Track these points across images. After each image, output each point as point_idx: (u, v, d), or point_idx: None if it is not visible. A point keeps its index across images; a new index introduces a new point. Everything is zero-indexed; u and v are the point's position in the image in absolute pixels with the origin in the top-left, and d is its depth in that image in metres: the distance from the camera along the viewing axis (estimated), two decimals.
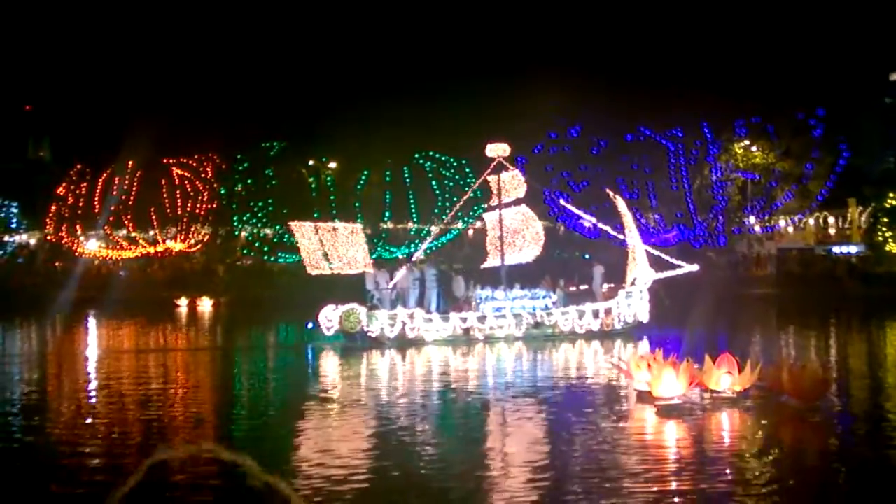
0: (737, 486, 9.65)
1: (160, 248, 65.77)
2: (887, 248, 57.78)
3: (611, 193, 31.30)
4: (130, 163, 63.46)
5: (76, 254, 66.48)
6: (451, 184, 62.94)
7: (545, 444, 12.30)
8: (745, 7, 72.79)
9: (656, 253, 29.46)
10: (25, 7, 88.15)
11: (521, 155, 49.39)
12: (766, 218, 60.38)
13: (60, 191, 67.64)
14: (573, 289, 29.79)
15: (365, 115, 61.43)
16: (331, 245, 25.92)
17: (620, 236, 29.77)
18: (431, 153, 64.30)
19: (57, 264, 66.18)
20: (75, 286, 53.00)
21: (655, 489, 9.59)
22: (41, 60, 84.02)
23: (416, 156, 64.06)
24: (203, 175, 65.04)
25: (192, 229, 65.20)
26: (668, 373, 13.98)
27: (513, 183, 28.68)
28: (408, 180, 63.23)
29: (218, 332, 34.03)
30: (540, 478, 10.23)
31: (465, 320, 25.99)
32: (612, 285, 28.69)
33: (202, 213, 64.74)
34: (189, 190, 64.65)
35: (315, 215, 50.54)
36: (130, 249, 66.36)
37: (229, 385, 19.75)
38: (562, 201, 43.15)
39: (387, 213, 62.65)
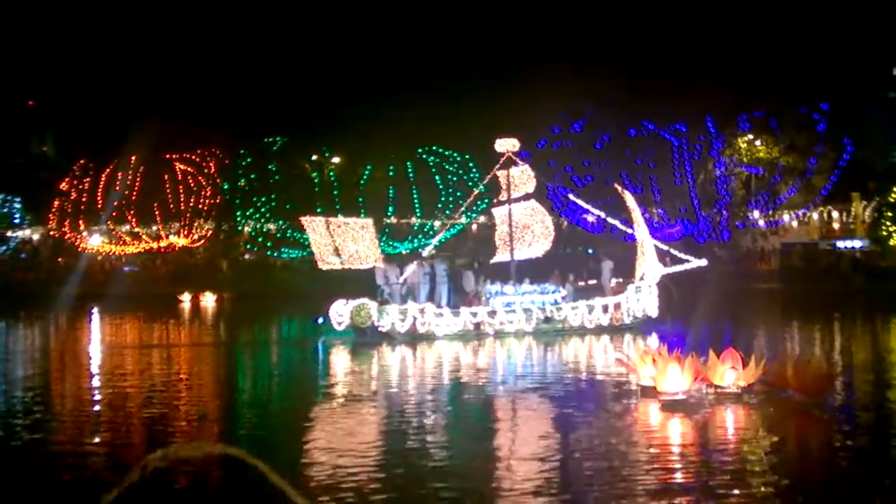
0: (741, 481, 9.65)
1: (163, 244, 65.69)
2: (891, 242, 57.85)
3: (619, 188, 31.31)
4: (133, 158, 63.32)
5: (79, 249, 66.44)
6: (455, 178, 62.97)
7: (550, 437, 12.35)
8: (749, 2, 72.73)
9: (665, 248, 29.46)
10: (28, 3, 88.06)
11: (525, 150, 49.32)
12: (770, 212, 60.37)
13: (63, 186, 67.61)
14: (582, 283, 29.81)
15: (368, 110, 61.49)
16: (341, 240, 25.92)
17: (629, 230, 29.74)
18: (435, 148, 64.26)
19: (60, 260, 66.17)
20: (78, 282, 52.96)
21: (659, 483, 9.60)
22: (44, 56, 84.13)
23: (420, 150, 64.03)
24: (206, 170, 64.96)
25: (196, 224, 65.13)
26: (673, 368, 13.96)
27: (522, 178, 28.65)
28: (411, 175, 63.19)
29: (221, 327, 33.93)
30: (545, 468, 10.27)
31: (475, 315, 26.00)
32: (621, 280, 28.70)
33: (205, 208, 64.68)
34: (192, 185, 64.57)
35: (318, 210, 50.44)
36: (133, 245, 66.31)
37: (247, 382, 19.81)
38: (570, 196, 43.11)
39: (390, 208, 62.57)
